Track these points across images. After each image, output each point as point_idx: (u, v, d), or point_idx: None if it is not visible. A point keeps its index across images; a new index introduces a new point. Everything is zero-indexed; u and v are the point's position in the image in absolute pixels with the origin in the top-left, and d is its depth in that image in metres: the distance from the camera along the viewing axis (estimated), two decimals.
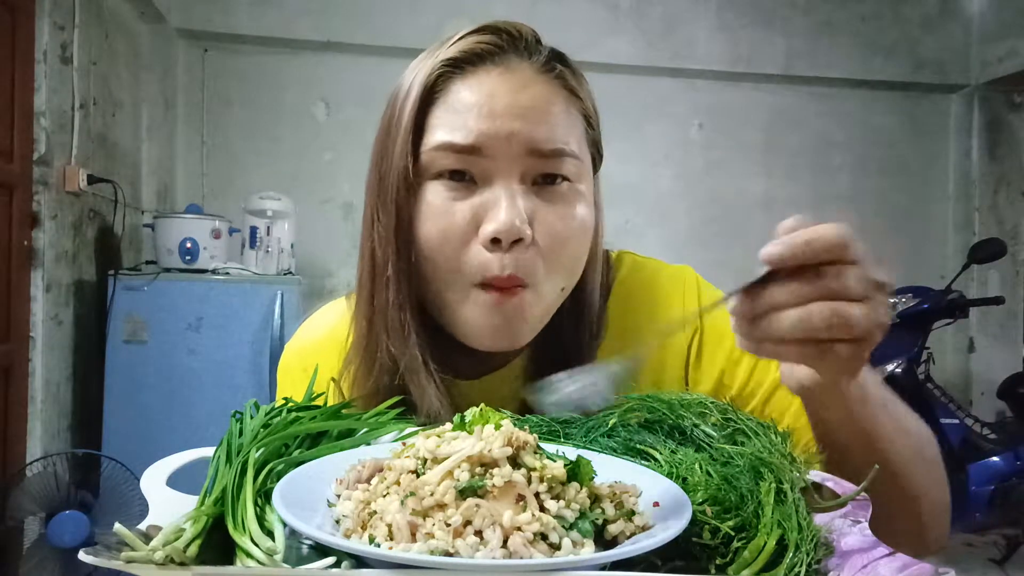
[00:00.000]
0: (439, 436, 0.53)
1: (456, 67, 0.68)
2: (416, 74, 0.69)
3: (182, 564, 0.44)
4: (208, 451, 0.60)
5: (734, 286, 0.84)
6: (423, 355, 0.70)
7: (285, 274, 3.10)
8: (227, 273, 2.96)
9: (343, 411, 0.66)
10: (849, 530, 0.51)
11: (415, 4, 3.77)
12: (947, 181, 4.41)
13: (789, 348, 0.49)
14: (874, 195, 4.30)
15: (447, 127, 0.66)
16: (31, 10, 2.51)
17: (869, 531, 0.50)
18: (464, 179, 0.67)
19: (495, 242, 0.65)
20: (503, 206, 0.65)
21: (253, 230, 3.12)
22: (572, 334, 0.75)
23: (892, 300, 3.28)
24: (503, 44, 0.69)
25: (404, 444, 0.55)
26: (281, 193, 3.18)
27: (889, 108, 4.32)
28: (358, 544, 0.45)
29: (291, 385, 0.81)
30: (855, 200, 4.28)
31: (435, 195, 0.67)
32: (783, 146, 4.22)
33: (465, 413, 0.55)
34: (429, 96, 0.68)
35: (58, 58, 2.63)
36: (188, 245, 2.90)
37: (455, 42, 0.69)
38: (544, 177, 0.68)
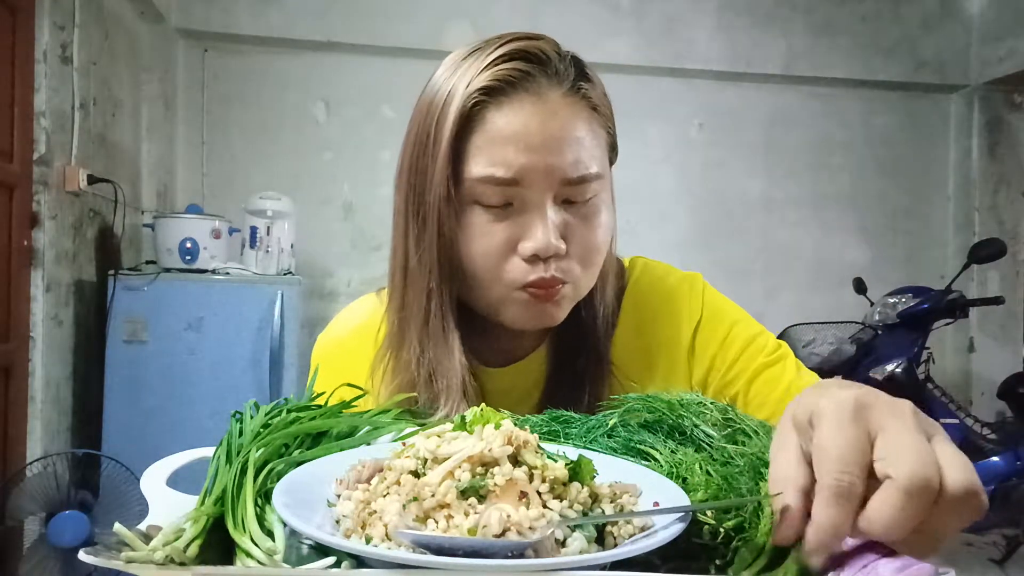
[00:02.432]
0: (439, 436, 0.53)
1: (489, 95, 0.71)
2: (451, 99, 0.72)
3: (182, 564, 0.44)
4: (208, 451, 0.60)
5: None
6: (461, 355, 0.76)
7: (285, 274, 3.10)
8: (227, 273, 2.96)
9: (343, 411, 0.66)
10: None
11: (415, 4, 3.77)
12: (947, 181, 4.41)
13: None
14: (874, 195, 4.30)
15: (487, 159, 0.71)
16: (31, 10, 2.51)
17: None
18: (502, 203, 0.72)
19: (535, 258, 0.72)
20: (539, 226, 0.71)
21: (253, 230, 3.12)
22: (590, 326, 0.81)
23: (892, 300, 3.29)
24: (533, 70, 0.72)
25: (404, 444, 0.55)
26: (281, 193, 3.19)
27: (889, 108, 4.32)
28: (358, 544, 0.45)
29: (335, 372, 0.84)
30: (855, 200, 4.29)
31: (475, 217, 0.73)
32: (783, 146, 4.23)
33: (465, 413, 0.55)
34: (465, 123, 0.72)
35: (58, 58, 2.63)
36: (188, 245, 2.90)
37: (486, 68, 0.71)
38: (572, 198, 0.74)
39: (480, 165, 0.71)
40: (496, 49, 0.72)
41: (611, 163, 0.81)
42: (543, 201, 0.72)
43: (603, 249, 0.77)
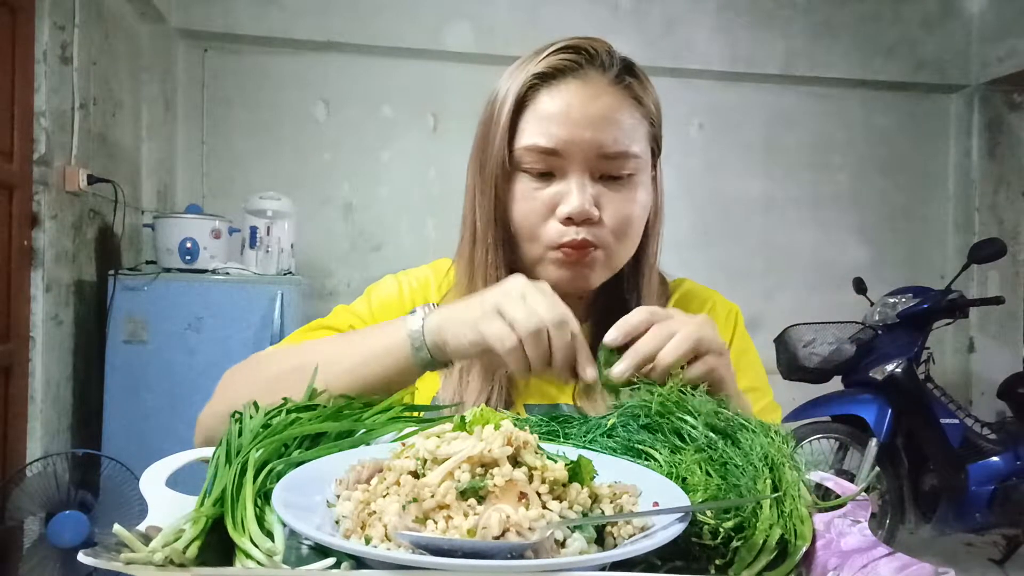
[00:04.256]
0: (439, 436, 0.53)
1: (543, 80, 0.84)
2: (511, 85, 0.85)
3: (181, 565, 0.44)
4: (208, 451, 0.60)
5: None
6: None
7: (285, 274, 3.10)
8: (227, 273, 2.96)
9: (343, 411, 0.66)
10: (849, 530, 0.51)
11: (415, 4, 3.76)
12: (947, 181, 4.41)
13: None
14: (874, 195, 4.30)
15: (534, 132, 0.83)
16: (31, 10, 2.51)
17: (869, 531, 0.50)
18: (545, 172, 0.84)
19: (569, 220, 0.82)
20: (575, 193, 0.82)
21: (253, 230, 3.12)
22: (635, 304, 0.87)
23: (892, 300, 3.29)
24: (581, 61, 0.84)
25: (404, 444, 0.55)
26: (281, 193, 3.18)
27: (889, 108, 4.32)
28: (357, 545, 0.45)
29: (378, 300, 0.96)
30: (855, 200, 4.29)
31: (523, 184, 0.85)
32: (783, 146, 4.22)
33: (465, 413, 0.55)
34: (521, 103, 0.84)
35: (58, 58, 2.63)
36: (188, 245, 2.90)
37: (543, 58, 0.84)
38: (610, 172, 0.84)
39: (528, 137, 0.83)
40: (553, 46, 0.85)
41: (655, 158, 0.90)
42: (580, 171, 0.82)
43: (637, 223, 0.86)
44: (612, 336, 0.67)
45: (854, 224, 4.27)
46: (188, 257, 2.90)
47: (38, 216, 2.56)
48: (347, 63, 3.83)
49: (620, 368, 0.66)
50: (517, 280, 0.70)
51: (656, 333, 0.67)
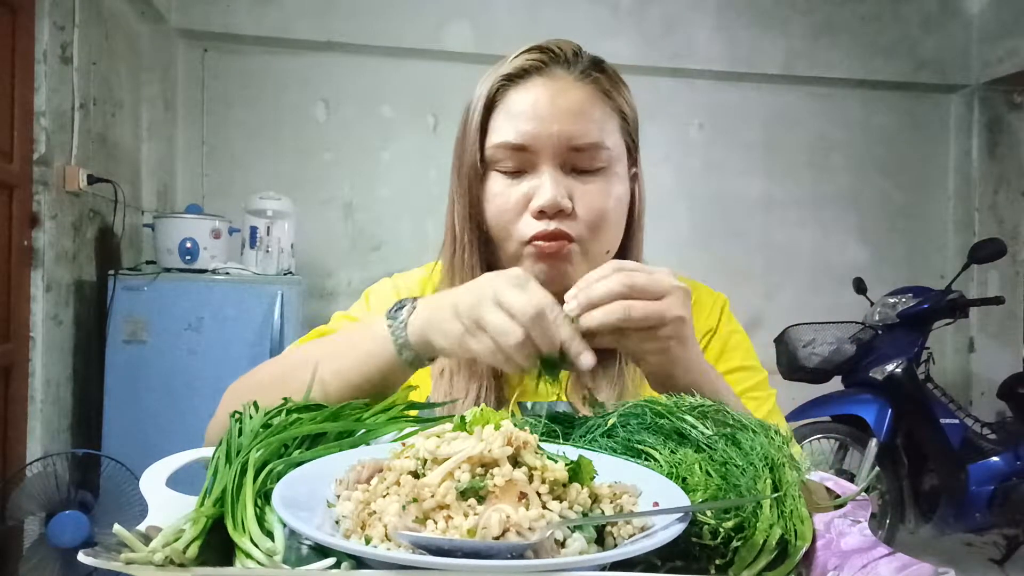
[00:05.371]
0: (439, 437, 0.53)
1: (511, 80, 0.85)
2: (482, 88, 0.87)
3: (182, 565, 0.44)
4: (208, 451, 0.60)
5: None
6: None
7: (285, 274, 3.10)
8: (227, 273, 2.96)
9: (343, 411, 0.66)
10: (849, 530, 0.51)
11: (415, 4, 3.76)
12: (947, 181, 4.41)
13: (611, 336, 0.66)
14: (874, 195, 4.30)
15: (503, 129, 0.84)
16: (31, 10, 2.51)
17: (869, 531, 0.50)
18: (517, 170, 0.84)
19: (542, 214, 0.82)
20: (547, 186, 0.82)
21: (253, 230, 3.11)
22: None
23: (892, 300, 3.29)
24: (547, 60, 0.86)
25: (404, 444, 0.55)
26: (281, 193, 3.18)
27: (889, 108, 4.32)
28: (358, 545, 0.45)
29: (376, 302, 0.97)
30: (855, 200, 4.29)
31: (496, 182, 0.86)
32: (783, 146, 4.22)
33: (465, 413, 0.55)
34: (491, 104, 0.86)
35: (58, 58, 2.63)
36: (188, 245, 2.90)
37: (511, 60, 0.86)
38: (582, 165, 0.84)
39: (498, 135, 0.84)
40: (521, 48, 0.87)
41: (632, 153, 0.91)
42: (551, 165, 0.83)
43: (612, 216, 0.86)
44: (571, 295, 0.67)
45: (854, 224, 4.27)
46: (188, 257, 2.90)
47: (38, 216, 2.56)
48: (347, 63, 3.83)
49: (569, 306, 0.65)
50: (487, 281, 0.67)
51: (593, 272, 0.67)
